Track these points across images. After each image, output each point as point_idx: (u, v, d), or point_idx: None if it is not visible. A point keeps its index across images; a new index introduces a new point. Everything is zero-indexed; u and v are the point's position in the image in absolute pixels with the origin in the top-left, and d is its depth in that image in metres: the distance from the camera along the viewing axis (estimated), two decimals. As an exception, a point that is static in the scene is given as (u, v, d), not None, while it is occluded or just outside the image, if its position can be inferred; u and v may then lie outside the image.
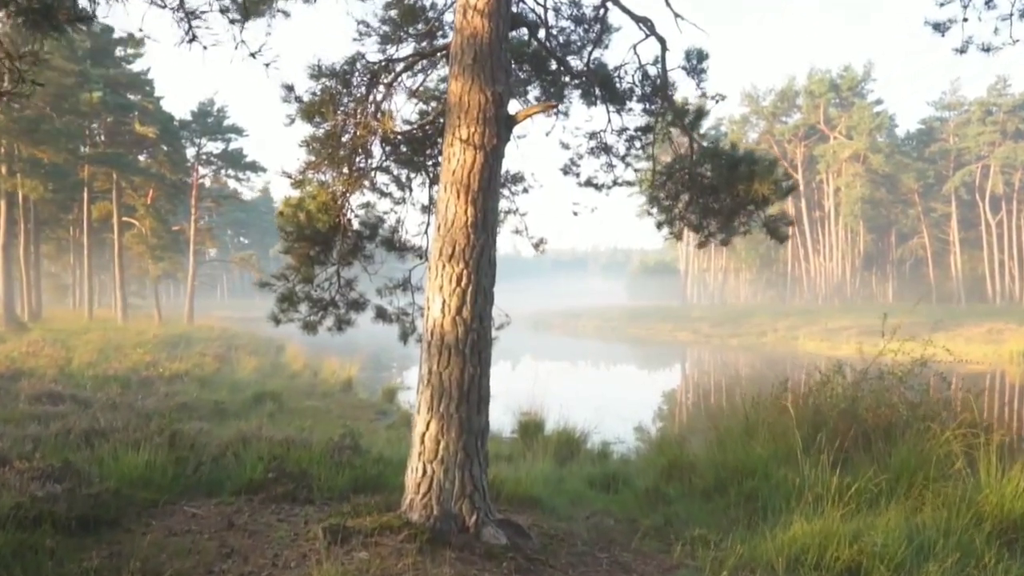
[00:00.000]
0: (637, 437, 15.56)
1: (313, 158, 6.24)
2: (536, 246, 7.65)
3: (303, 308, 6.64)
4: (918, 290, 75.02)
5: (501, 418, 14.01)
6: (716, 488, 7.92)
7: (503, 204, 7.53)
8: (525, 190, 7.59)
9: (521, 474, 8.48)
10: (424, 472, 5.04)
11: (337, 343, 21.19)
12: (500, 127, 5.22)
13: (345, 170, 6.37)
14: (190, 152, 43.91)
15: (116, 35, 33.52)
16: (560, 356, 43.16)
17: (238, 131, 44.46)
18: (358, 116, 5.98)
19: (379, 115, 6.11)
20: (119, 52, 36.32)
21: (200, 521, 5.57)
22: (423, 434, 5.08)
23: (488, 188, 5.17)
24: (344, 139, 6.29)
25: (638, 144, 7.59)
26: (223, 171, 47.01)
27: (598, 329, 68.91)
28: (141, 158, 39.44)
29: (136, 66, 37.51)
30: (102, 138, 39.06)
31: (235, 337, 28.54)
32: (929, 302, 68.59)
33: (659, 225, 8.00)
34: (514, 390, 15.33)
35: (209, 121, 43.38)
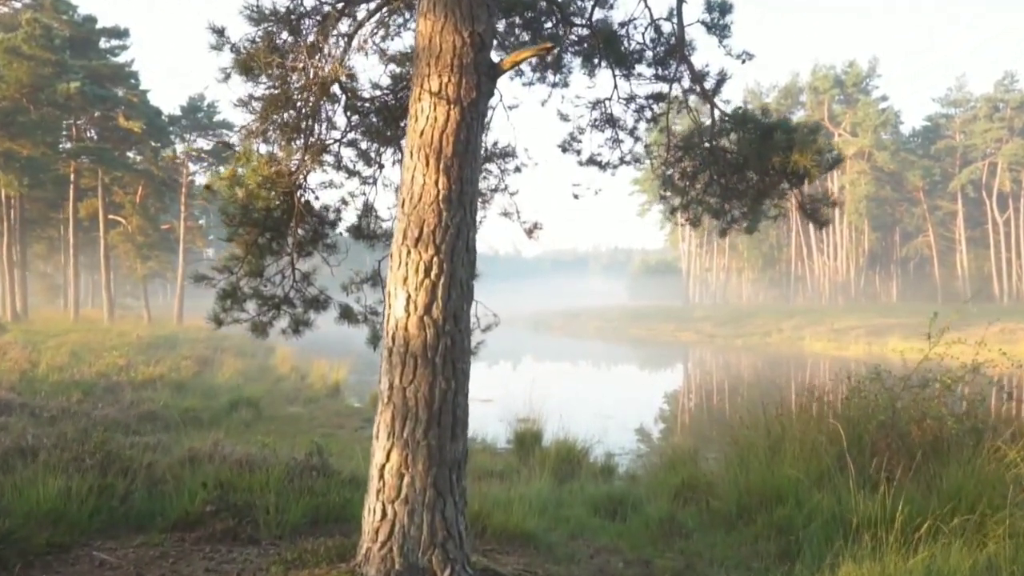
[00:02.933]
0: (645, 447, 14.46)
1: (255, 123, 5.15)
2: (529, 232, 6.56)
3: (251, 306, 5.55)
4: (922, 290, 74.03)
5: (495, 427, 12.92)
6: (739, 515, 6.84)
7: (489, 181, 6.43)
8: (518, 168, 6.50)
9: (514, 497, 7.39)
10: (384, 515, 3.95)
11: (334, 344, 20.07)
12: (480, 77, 4.13)
13: (300, 141, 5.28)
14: (180, 148, 42.76)
15: (101, 25, 32.41)
16: (561, 357, 42.07)
17: (230, 127, 43.30)
18: (310, 72, 4.91)
19: (337, 73, 5.01)
20: (105, 44, 35.22)
21: (107, 572, 4.47)
22: (382, 467, 3.99)
23: (465, 154, 4.09)
24: (296, 102, 5.20)
25: (649, 115, 6.49)
26: (215, 168, 45.83)
27: (599, 330, 67.86)
28: (130, 154, 38.30)
29: (122, 58, 36.40)
30: (91, 134, 37.97)
31: (224, 339, 27.36)
32: (935, 302, 67.61)
33: (672, 211, 6.92)
34: (511, 395, 14.25)
35: (199, 116, 42.19)
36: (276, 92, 4.99)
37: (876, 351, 41.89)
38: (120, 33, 34.01)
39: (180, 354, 21.35)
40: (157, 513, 5.60)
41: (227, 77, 4.92)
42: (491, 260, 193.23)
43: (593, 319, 73.94)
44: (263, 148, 5.24)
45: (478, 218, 4.34)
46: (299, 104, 5.19)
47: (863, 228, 74.65)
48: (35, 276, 66.89)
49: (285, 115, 5.17)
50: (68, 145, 33.94)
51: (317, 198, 5.62)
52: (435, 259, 3.97)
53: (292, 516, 5.52)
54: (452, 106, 4.05)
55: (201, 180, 43.84)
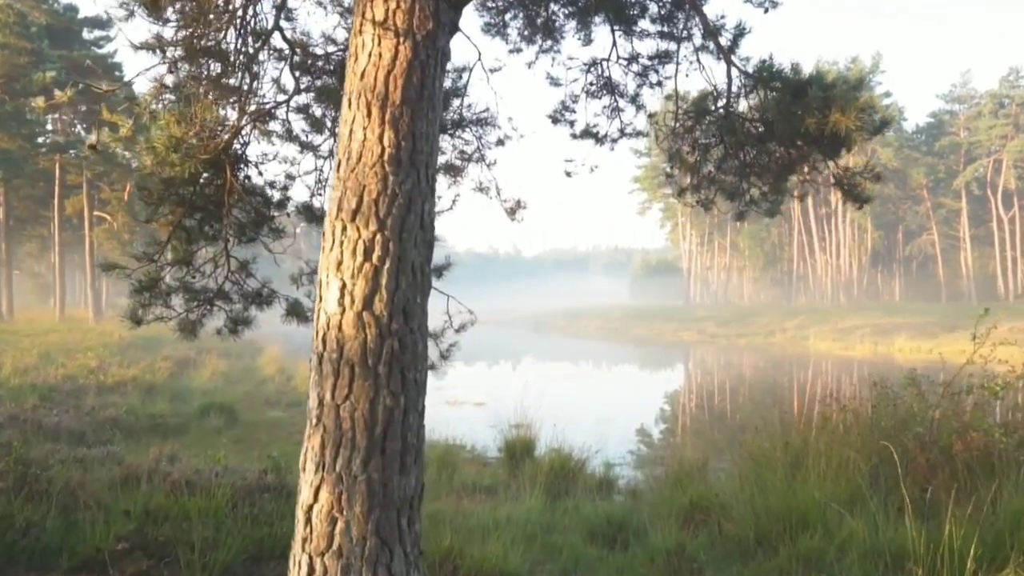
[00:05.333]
0: (647, 455, 13.53)
1: (169, 75, 4.23)
2: (511, 212, 5.62)
3: (177, 302, 4.63)
4: (926, 289, 73.16)
5: (487, 434, 11.96)
6: (758, 543, 5.92)
7: (460, 145, 5.47)
8: (500, 141, 5.57)
9: (500, 519, 6.47)
10: (311, 572, 3.02)
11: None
12: (439, 3, 3.20)
13: (233, 101, 4.36)
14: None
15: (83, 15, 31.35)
16: (561, 358, 41.11)
17: (223, 123, 42.14)
18: (239, 17, 3.98)
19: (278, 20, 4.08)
20: (88, 35, 34.20)
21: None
22: (309, 508, 3.06)
23: (419, 101, 3.16)
24: (228, 54, 4.28)
25: (654, 79, 5.55)
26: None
27: (600, 330, 66.99)
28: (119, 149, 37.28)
29: (107, 49, 35.36)
30: (78, 128, 37.02)
31: (211, 339, 26.46)
32: (939, 301, 66.69)
33: (680, 192, 5.99)
34: (507, 397, 13.33)
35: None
36: (194, 35, 4.07)
37: (883, 351, 40.99)
38: (104, 23, 33.04)
39: (160, 355, 20.41)
40: (66, 549, 4.67)
41: (130, 15, 3.98)
42: (491, 260, 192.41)
43: (594, 319, 73.06)
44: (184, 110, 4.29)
45: (451, 196, 3.41)
46: (232, 57, 4.27)
47: (866, 226, 73.73)
48: (26, 275, 66.01)
49: (213, 67, 4.25)
50: (48, 140, 32.91)
51: (260, 173, 4.70)
52: (378, 237, 3.04)
53: (225, 554, 4.59)
54: (402, 40, 3.13)
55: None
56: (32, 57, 26.72)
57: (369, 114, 3.11)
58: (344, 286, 3.04)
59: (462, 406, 18.61)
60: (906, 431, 6.87)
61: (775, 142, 5.01)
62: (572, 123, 5.78)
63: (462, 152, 5.48)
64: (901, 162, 68.96)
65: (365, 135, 3.11)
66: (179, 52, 4.04)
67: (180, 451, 8.55)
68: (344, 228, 3.08)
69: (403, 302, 3.07)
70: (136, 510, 5.05)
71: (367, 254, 3.04)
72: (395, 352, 3.04)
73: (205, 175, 4.36)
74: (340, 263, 3.06)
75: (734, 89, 4.98)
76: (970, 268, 68.33)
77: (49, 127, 36.69)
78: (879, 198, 70.52)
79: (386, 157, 3.09)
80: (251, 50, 4.26)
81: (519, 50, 6.10)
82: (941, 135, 73.07)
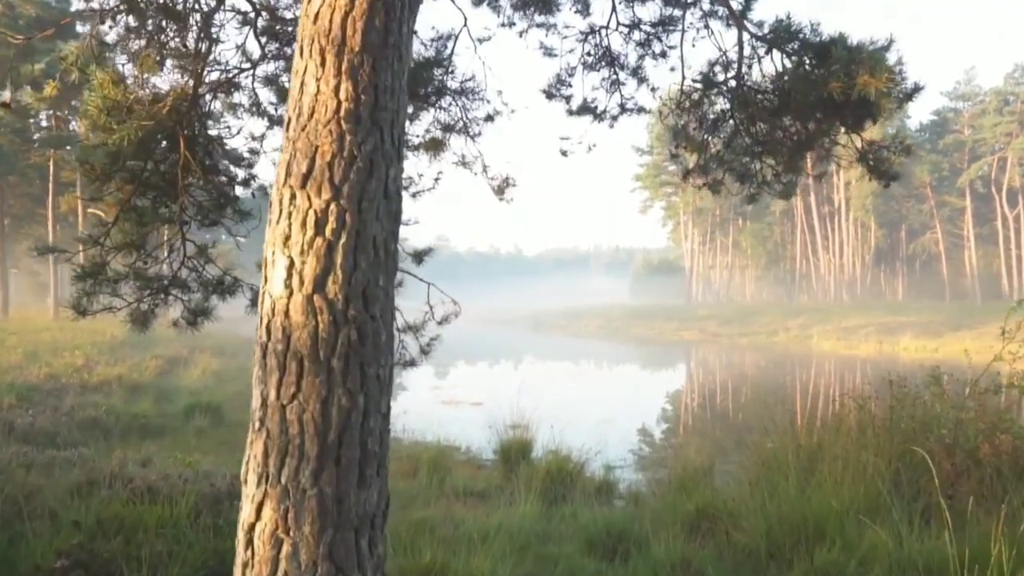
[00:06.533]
0: (649, 456, 13.05)
1: (105, 27, 3.75)
2: (499, 190, 5.14)
3: (127, 290, 4.16)
4: (929, 287, 72.59)
5: (483, 435, 11.46)
6: (770, 555, 5.46)
7: (444, 118, 4.98)
8: (490, 117, 5.09)
9: (492, 527, 6.00)
10: (252, 603, 2.55)
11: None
12: (407, -67, 2.73)
13: (187, 66, 3.89)
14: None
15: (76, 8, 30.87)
16: (561, 357, 40.61)
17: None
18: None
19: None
20: (82, 28, 33.71)
21: None
22: (251, 528, 2.59)
23: (383, 48, 2.69)
24: (182, 13, 3.81)
25: (657, 48, 5.07)
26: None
27: (601, 329, 66.52)
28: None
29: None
30: (74, 125, 36.51)
31: (205, 336, 26.04)
32: (943, 299, 66.12)
33: (686, 174, 5.51)
34: (505, 396, 12.85)
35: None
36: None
37: (888, 350, 40.47)
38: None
39: (151, 353, 19.94)
40: (5, 567, 4.21)
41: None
42: (492, 259, 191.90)
43: (595, 318, 72.57)
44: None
45: (430, 172, 2.95)
46: (184, 15, 3.80)
47: (869, 225, 73.16)
48: (24, 274, 65.59)
49: (166, 28, 3.78)
50: (40, 135, 32.45)
51: (223, 146, 4.23)
52: (332, 207, 2.57)
53: (180, 568, 4.12)
54: (362, -25, 2.65)
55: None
56: (19, 50, 26.27)
57: (323, 63, 2.64)
58: (292, 264, 2.57)
59: (459, 406, 18.14)
60: (928, 433, 6.41)
61: (791, 115, 4.53)
62: (568, 98, 5.31)
63: (446, 125, 4.99)
64: (905, 160, 68.33)
65: (318, 87, 2.65)
66: (118, 2, 3.58)
67: (156, 454, 8.08)
68: (293, 196, 2.61)
69: (362, 284, 2.60)
70: (87, 520, 4.59)
71: (319, 226, 2.57)
72: (352, 343, 2.56)
73: (158, 149, 3.88)
74: (288, 237, 2.59)
75: (746, 57, 4.49)
76: (974, 267, 67.78)
77: (44, 124, 36.22)
78: (882, 196, 69.97)
79: (342, 113, 2.62)
80: (205, 7, 3.80)
81: (511, 23, 5.63)
82: (945, 133, 72.47)
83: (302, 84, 2.69)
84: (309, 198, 2.58)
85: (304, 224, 2.57)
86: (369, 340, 2.61)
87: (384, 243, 2.68)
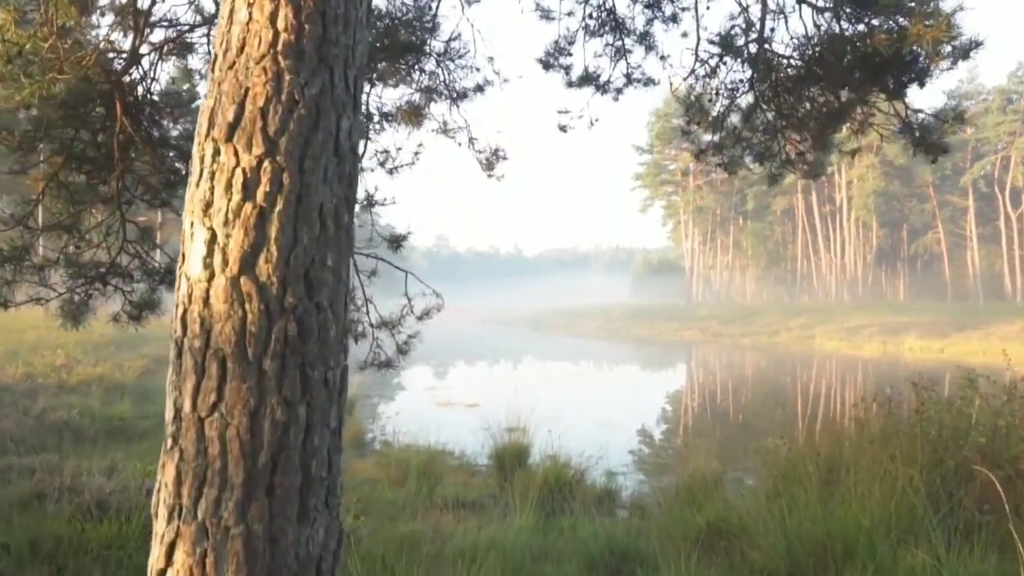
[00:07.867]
0: (654, 462, 12.49)
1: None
2: (488, 164, 4.58)
3: (57, 279, 3.61)
4: (931, 288, 72.09)
5: (478, 438, 10.89)
6: (790, 576, 4.91)
7: (420, 80, 4.38)
8: (479, 87, 4.53)
9: (483, 543, 5.46)
10: (162, 672, 1.99)
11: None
12: None
13: (122, 18, 3.33)
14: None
15: None
16: (561, 357, 40.05)
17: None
18: None
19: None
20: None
21: None
22: (160, 574, 2.03)
23: (333, -33, 2.12)
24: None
25: (667, 10, 4.51)
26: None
27: (601, 329, 65.99)
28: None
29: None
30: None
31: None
32: (945, 299, 65.62)
33: (699, 153, 4.96)
34: (503, 398, 12.31)
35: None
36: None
37: (892, 350, 39.94)
38: None
39: (138, 352, 19.37)
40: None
41: None
42: (492, 259, 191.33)
43: (595, 318, 72.07)
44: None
45: (412, 145, 2.35)
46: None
47: (871, 224, 72.64)
48: (19, 273, 65.14)
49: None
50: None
51: (171, 113, 3.67)
52: (266, 164, 2.01)
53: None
54: None
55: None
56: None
57: (256, -17, 2.08)
58: (214, 238, 2.01)
59: (454, 407, 17.58)
60: (961, 441, 5.86)
61: (821, 83, 3.97)
62: (568, 68, 4.74)
63: (428, 89, 4.42)
64: (907, 159, 67.81)
65: (250, 14, 2.09)
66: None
67: (124, 461, 7.53)
68: (216, 152, 2.05)
69: (303, 263, 2.03)
70: (19, 542, 4.03)
71: (248, 190, 2.01)
72: (290, 339, 2.00)
73: (91, 115, 3.32)
74: (209, 204, 2.03)
75: (770, 12, 3.93)
76: (977, 267, 67.26)
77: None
78: (884, 195, 69.44)
79: (280, 47, 2.06)
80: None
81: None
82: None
83: (231, 12, 2.13)
84: (236, 153, 2.02)
85: (229, 187, 2.01)
86: (313, 336, 2.05)
87: (334, 212, 2.12)
